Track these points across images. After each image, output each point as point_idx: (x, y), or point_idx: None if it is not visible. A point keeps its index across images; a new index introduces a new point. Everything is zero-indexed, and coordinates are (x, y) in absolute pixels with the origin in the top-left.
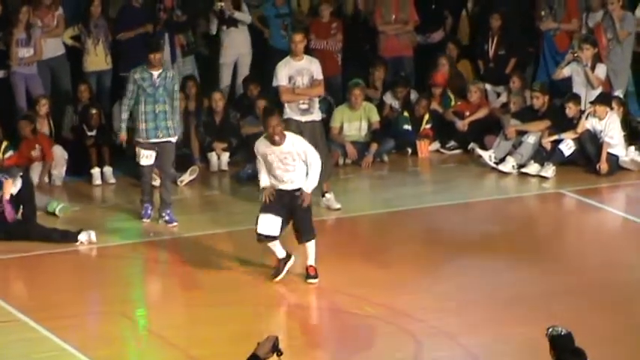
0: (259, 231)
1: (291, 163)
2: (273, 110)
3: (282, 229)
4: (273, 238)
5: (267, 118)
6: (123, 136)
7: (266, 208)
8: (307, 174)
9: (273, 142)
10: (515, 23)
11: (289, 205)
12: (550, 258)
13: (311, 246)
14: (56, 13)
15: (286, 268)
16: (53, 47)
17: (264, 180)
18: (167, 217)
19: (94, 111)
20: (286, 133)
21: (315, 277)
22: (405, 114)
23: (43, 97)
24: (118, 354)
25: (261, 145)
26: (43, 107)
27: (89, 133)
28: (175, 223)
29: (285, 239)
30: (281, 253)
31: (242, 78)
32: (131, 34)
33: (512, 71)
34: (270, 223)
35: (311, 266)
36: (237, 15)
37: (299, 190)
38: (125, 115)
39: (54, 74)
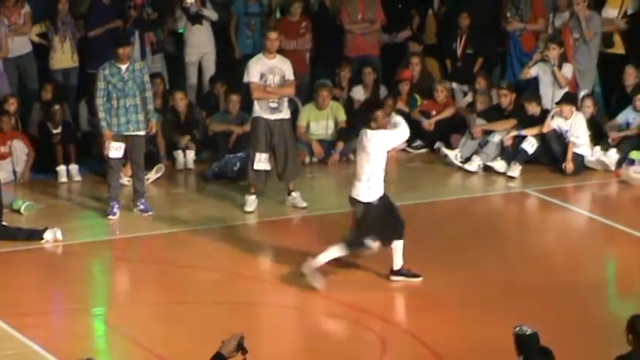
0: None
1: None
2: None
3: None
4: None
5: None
6: (107, 133)
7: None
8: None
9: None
10: (483, 23)
11: (386, 217)
12: (515, 257)
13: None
14: (23, 10)
15: (408, 279)
16: (20, 45)
17: None
18: (142, 207)
19: (56, 107)
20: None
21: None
22: None
23: (11, 95)
24: (83, 352)
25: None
26: (12, 106)
27: (54, 131)
28: (151, 212)
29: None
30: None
31: (208, 76)
32: (101, 31)
33: (478, 71)
34: (372, 244)
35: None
36: (204, 12)
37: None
38: (102, 114)
39: (21, 72)
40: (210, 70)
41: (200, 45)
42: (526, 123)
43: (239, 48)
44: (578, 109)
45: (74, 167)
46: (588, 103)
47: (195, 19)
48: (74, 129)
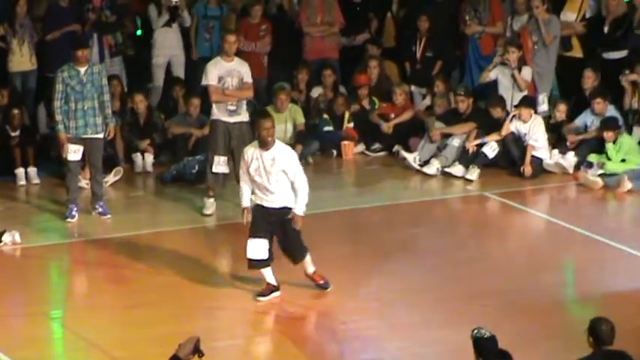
0: (249, 256)
1: (274, 175)
2: (266, 113)
3: (269, 250)
4: (264, 261)
5: (260, 120)
6: (63, 136)
7: (254, 232)
8: (296, 195)
9: (265, 144)
10: (443, 26)
11: (276, 225)
12: (474, 260)
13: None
14: None
15: (271, 297)
16: None
17: (246, 200)
18: (100, 209)
19: (15, 111)
20: (278, 141)
21: (327, 284)
22: (325, 116)
23: None
24: (41, 355)
25: (249, 151)
26: None
27: (12, 134)
28: (109, 215)
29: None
30: (272, 279)
31: (171, 79)
32: (58, 34)
33: (437, 74)
34: (258, 247)
35: (315, 274)
36: (185, 15)
37: (285, 209)
38: (59, 117)
39: None
40: (179, 71)
41: (169, 47)
42: (486, 126)
43: (196, 51)
44: (537, 113)
45: (33, 170)
46: (562, 108)
47: (174, 20)
48: (33, 132)
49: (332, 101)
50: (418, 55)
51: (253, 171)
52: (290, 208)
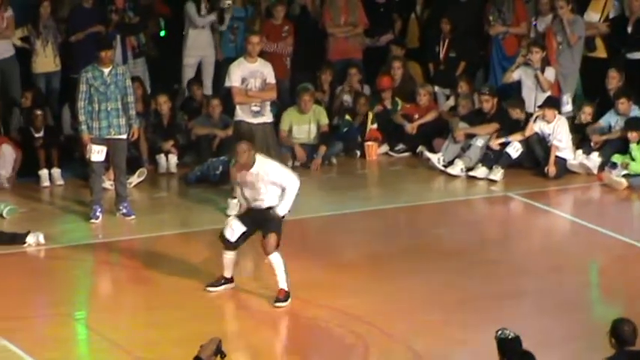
0: (223, 232)
1: (262, 187)
2: (243, 136)
3: (241, 238)
4: (230, 244)
5: (237, 145)
6: (87, 137)
7: (238, 216)
8: (282, 197)
9: (244, 166)
10: (466, 27)
11: (259, 219)
12: (498, 261)
13: (277, 262)
14: (5, 14)
15: (222, 288)
16: (3, 49)
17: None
18: (125, 210)
19: (38, 112)
20: (258, 157)
21: (285, 300)
22: (347, 117)
23: None
24: (65, 356)
25: (233, 170)
26: None
27: (36, 135)
28: (133, 216)
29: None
30: (228, 272)
31: (208, 79)
32: (82, 35)
33: (460, 75)
34: (234, 229)
35: (281, 289)
36: (226, 16)
37: (271, 208)
38: (83, 118)
39: (3, 76)
40: (210, 72)
41: (201, 47)
42: (509, 126)
43: (222, 52)
44: (561, 114)
45: (57, 171)
46: (588, 110)
47: (223, 21)
48: (57, 133)
49: (355, 101)
50: (441, 55)
51: (242, 184)
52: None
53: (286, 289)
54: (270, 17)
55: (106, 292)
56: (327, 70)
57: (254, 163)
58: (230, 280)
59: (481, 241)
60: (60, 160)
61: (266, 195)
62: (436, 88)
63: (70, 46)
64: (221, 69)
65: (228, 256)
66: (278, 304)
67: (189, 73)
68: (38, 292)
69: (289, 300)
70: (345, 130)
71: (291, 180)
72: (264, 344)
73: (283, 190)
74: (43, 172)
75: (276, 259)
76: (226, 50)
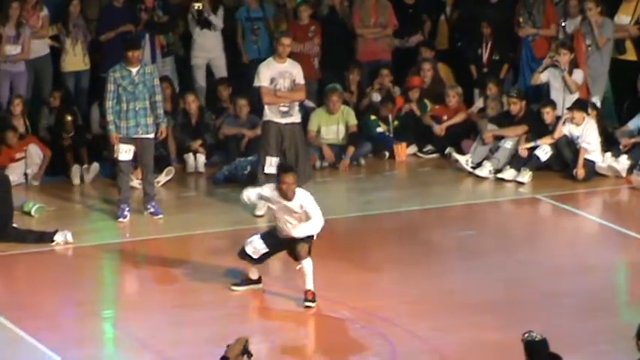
0: (245, 249)
1: (296, 217)
2: (291, 168)
3: (264, 258)
4: (251, 259)
5: (283, 175)
6: (115, 136)
7: (264, 235)
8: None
9: (286, 197)
10: (504, 29)
11: (286, 243)
12: (525, 263)
13: (308, 268)
14: (41, 14)
15: (248, 287)
16: (38, 47)
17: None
18: (152, 209)
19: (69, 118)
20: (297, 190)
21: (314, 300)
22: (373, 117)
23: (17, 97)
24: (92, 355)
25: (273, 193)
26: (17, 107)
27: (65, 135)
28: (161, 215)
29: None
30: (254, 274)
31: (216, 79)
32: (112, 34)
33: (488, 77)
34: (257, 248)
35: (309, 290)
36: (212, 18)
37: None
38: (111, 117)
39: (37, 74)
40: (221, 73)
41: (207, 49)
42: (537, 129)
43: (246, 54)
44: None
45: (93, 166)
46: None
47: (204, 24)
48: (85, 132)
49: (382, 102)
50: (484, 58)
51: (277, 211)
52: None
53: (313, 289)
54: (296, 18)
55: (133, 291)
56: (354, 70)
57: (294, 195)
58: (257, 281)
59: (509, 243)
60: (89, 160)
61: (295, 229)
62: (478, 91)
63: (99, 45)
64: (248, 70)
65: (253, 275)
66: (308, 304)
67: (199, 74)
68: (66, 290)
69: (317, 301)
70: (379, 130)
71: (319, 218)
72: (290, 344)
73: (308, 219)
74: (75, 168)
75: (308, 264)
76: (250, 52)
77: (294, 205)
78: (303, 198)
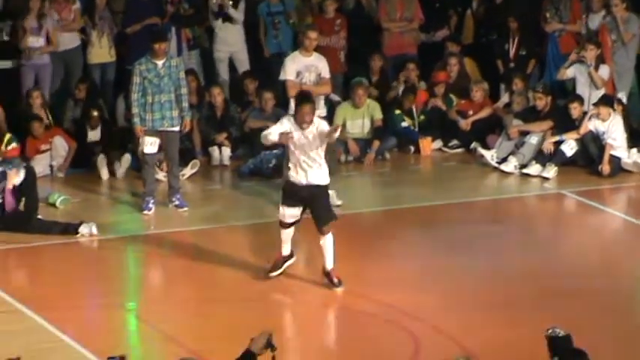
0: (283, 220)
1: (316, 149)
2: (308, 98)
3: (301, 214)
4: (297, 222)
5: (301, 105)
6: (139, 129)
7: (286, 201)
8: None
9: (302, 127)
10: (532, 24)
11: (307, 198)
12: (550, 259)
13: (329, 244)
14: (73, 7)
15: (284, 266)
16: (69, 39)
17: (274, 134)
18: (177, 202)
19: (94, 113)
20: (315, 119)
21: (340, 283)
22: (397, 111)
23: (36, 89)
24: (116, 347)
25: (290, 124)
26: (37, 100)
27: (91, 132)
28: (186, 208)
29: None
30: (287, 249)
31: (242, 73)
32: (138, 27)
33: (515, 72)
34: (292, 213)
35: (331, 271)
36: (231, 11)
37: (316, 186)
38: (136, 110)
39: (67, 66)
40: (243, 67)
41: (229, 43)
42: (563, 124)
43: (267, 48)
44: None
45: (125, 158)
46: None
47: (224, 17)
48: (112, 127)
49: (403, 95)
50: (511, 53)
51: (295, 144)
52: (320, 185)
53: (333, 268)
54: (322, 12)
55: (158, 284)
56: (375, 57)
57: (311, 123)
58: (290, 257)
59: (533, 238)
60: (119, 153)
61: (317, 167)
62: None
63: (125, 38)
64: (269, 64)
65: (287, 230)
66: (338, 287)
67: (222, 68)
68: (90, 282)
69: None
70: (403, 124)
71: None
72: (314, 338)
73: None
74: (100, 160)
75: (329, 239)
76: (271, 46)
77: (310, 133)
78: (319, 122)
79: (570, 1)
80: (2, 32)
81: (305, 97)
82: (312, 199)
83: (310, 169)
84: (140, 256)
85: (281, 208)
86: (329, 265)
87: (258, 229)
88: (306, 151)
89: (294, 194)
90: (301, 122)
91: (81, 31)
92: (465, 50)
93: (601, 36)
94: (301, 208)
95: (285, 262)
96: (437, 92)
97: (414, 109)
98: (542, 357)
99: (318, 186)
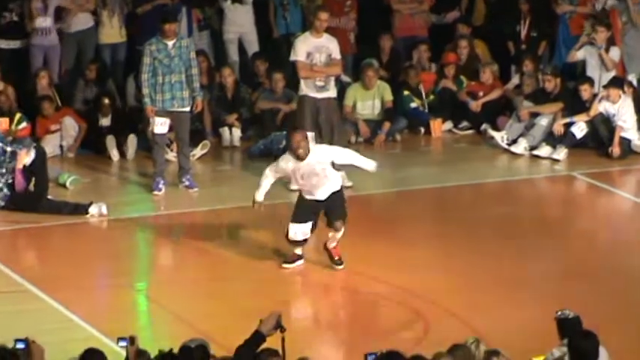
0: (290, 238)
1: (322, 175)
2: (298, 128)
3: (312, 230)
4: (304, 241)
5: (292, 134)
6: (150, 109)
7: (296, 218)
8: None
9: (298, 157)
10: (542, 6)
11: (324, 209)
12: (560, 240)
13: (339, 234)
14: None
15: (297, 264)
16: (83, 20)
17: (260, 194)
18: (187, 183)
19: (106, 101)
20: (311, 146)
21: (341, 261)
22: (406, 92)
23: (42, 69)
24: (126, 327)
25: (286, 163)
26: (43, 80)
27: (102, 119)
28: (196, 189)
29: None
30: (299, 250)
31: (251, 54)
32: (149, 7)
33: (525, 53)
34: (300, 231)
35: (334, 249)
36: None
37: (333, 194)
38: (146, 90)
39: (80, 46)
40: (252, 48)
41: (239, 24)
42: (573, 106)
43: (276, 29)
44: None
45: (130, 139)
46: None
47: None
48: (123, 113)
49: (407, 70)
50: (523, 35)
51: (299, 178)
52: (337, 191)
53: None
54: None
55: (167, 264)
56: (385, 37)
57: (308, 153)
58: (302, 256)
59: (543, 220)
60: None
61: (325, 180)
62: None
63: (136, 18)
64: (279, 45)
65: (298, 251)
66: (339, 266)
67: (231, 49)
68: (100, 262)
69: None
70: (412, 105)
71: (343, 149)
72: (323, 319)
73: (347, 161)
74: (110, 141)
75: (340, 232)
76: (279, 27)
77: (310, 163)
78: (319, 153)
79: None
80: (12, 13)
81: (294, 128)
82: (328, 204)
83: (323, 185)
84: (150, 236)
85: (291, 226)
86: (331, 243)
87: (267, 209)
88: (312, 177)
89: (309, 207)
90: (296, 150)
91: (93, 12)
92: (475, 32)
93: (611, 18)
94: (312, 223)
95: (298, 260)
96: (447, 74)
97: (422, 89)
98: (552, 338)
99: (333, 192)
